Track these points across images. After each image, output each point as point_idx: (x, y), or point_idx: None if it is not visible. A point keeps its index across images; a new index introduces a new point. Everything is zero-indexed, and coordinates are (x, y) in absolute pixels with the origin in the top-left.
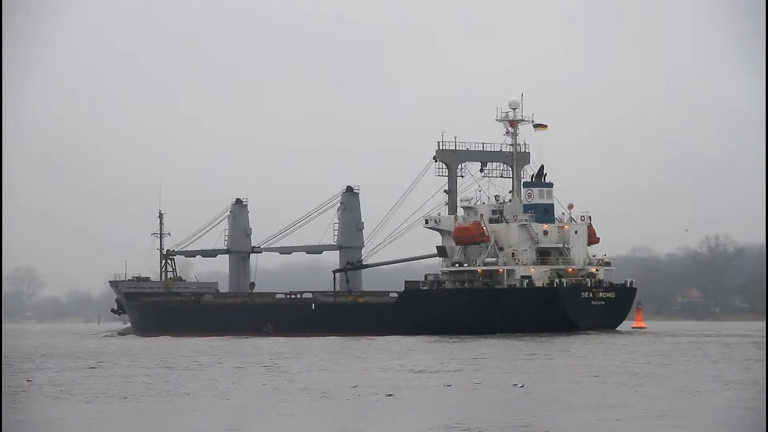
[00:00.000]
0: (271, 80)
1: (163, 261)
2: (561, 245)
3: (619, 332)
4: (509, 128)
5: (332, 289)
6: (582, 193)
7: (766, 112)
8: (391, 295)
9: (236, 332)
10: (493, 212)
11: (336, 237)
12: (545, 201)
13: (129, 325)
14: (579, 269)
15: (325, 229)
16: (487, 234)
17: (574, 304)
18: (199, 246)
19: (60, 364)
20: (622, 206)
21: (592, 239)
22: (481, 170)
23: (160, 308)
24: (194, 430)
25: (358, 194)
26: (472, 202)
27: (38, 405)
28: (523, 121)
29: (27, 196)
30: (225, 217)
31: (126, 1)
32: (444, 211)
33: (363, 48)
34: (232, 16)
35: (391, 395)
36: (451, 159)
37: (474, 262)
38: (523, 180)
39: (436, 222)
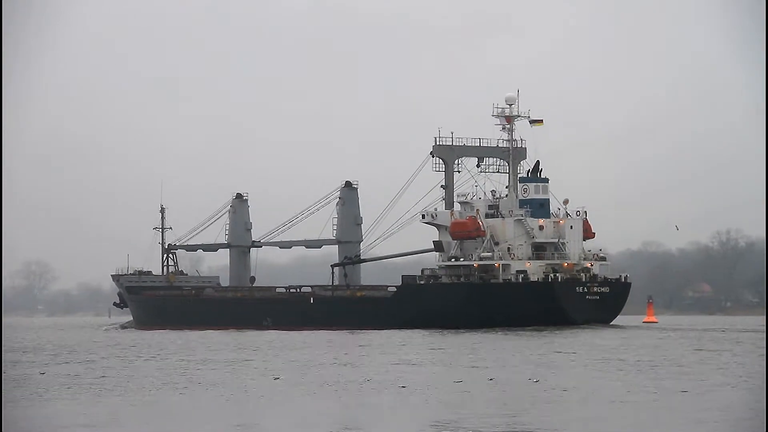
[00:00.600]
0: (272, 78)
1: (165, 255)
2: (556, 240)
3: (616, 326)
4: (505, 124)
5: (330, 284)
6: (579, 189)
7: (766, 111)
8: (389, 289)
9: (236, 326)
10: (489, 207)
11: (335, 231)
12: (541, 196)
13: (131, 318)
14: (574, 264)
15: (325, 223)
16: (483, 229)
17: (568, 299)
18: (200, 240)
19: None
20: (619, 201)
21: (588, 234)
22: (478, 166)
23: (160, 302)
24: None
25: (356, 189)
26: (468, 197)
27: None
28: (519, 116)
29: (32, 192)
30: (226, 212)
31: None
32: (441, 206)
33: (363, 45)
34: (232, 13)
35: (404, 387)
36: (447, 154)
37: (470, 257)
38: (519, 175)
39: (432, 217)
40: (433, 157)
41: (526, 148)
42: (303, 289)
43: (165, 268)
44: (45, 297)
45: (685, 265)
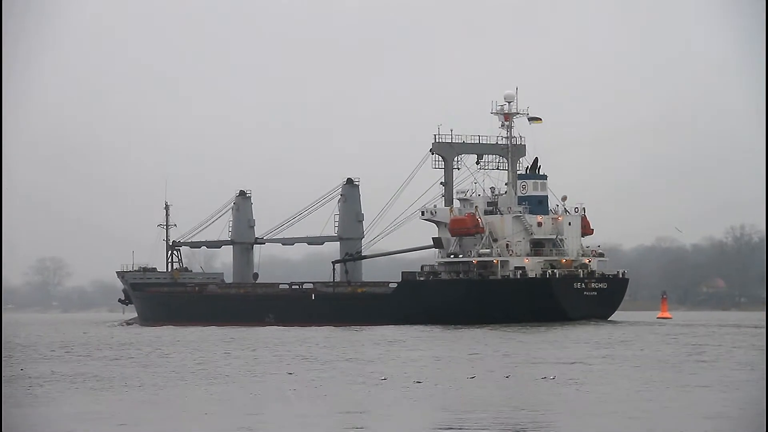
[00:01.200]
0: (273, 77)
1: (169, 252)
2: (555, 236)
3: (614, 322)
4: (504, 121)
5: (332, 280)
6: (578, 186)
7: (766, 110)
8: (390, 285)
9: (239, 322)
10: (488, 204)
11: (336, 228)
12: (539, 193)
13: (136, 315)
14: (572, 260)
15: (326, 220)
16: (481, 225)
17: (566, 295)
18: (204, 237)
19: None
20: (619, 198)
21: (586, 230)
22: (477, 163)
23: (164, 298)
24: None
25: (358, 186)
26: (467, 194)
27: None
28: (518, 114)
29: (37, 191)
30: (229, 209)
31: None
32: (440, 203)
33: (364, 45)
34: (233, 13)
35: (419, 382)
36: (447, 151)
37: (469, 253)
38: (518, 172)
39: (432, 214)
40: (432, 154)
41: (525, 145)
42: (305, 286)
43: (169, 264)
44: (59, 293)
45: (699, 260)
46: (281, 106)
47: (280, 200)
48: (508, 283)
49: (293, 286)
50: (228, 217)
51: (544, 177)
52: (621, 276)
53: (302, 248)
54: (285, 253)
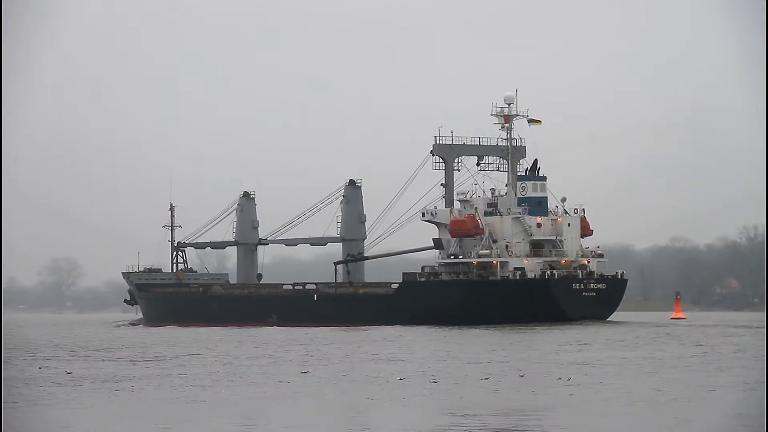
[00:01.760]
0: (276, 75)
1: (174, 253)
2: (554, 237)
3: (612, 322)
4: (504, 123)
5: (334, 281)
6: (579, 186)
7: (766, 110)
8: (392, 286)
9: (242, 322)
10: (488, 205)
11: (339, 229)
12: (539, 194)
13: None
14: (572, 261)
15: (330, 221)
16: (481, 227)
17: (565, 295)
18: (208, 238)
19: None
20: (620, 198)
21: (586, 231)
22: (478, 164)
23: (169, 299)
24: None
25: (360, 187)
26: (468, 195)
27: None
28: (518, 116)
29: (45, 191)
30: (233, 210)
31: None
32: (441, 204)
33: (366, 44)
34: (235, 9)
35: (435, 381)
36: (447, 153)
37: (469, 254)
38: (518, 173)
39: (432, 215)
40: (433, 155)
41: (525, 146)
42: (307, 286)
43: (174, 265)
44: (73, 294)
45: (713, 260)
46: (283, 106)
47: (283, 201)
48: (507, 283)
49: (296, 287)
50: (232, 218)
51: (544, 178)
52: (620, 277)
53: (311, 249)
54: (297, 254)
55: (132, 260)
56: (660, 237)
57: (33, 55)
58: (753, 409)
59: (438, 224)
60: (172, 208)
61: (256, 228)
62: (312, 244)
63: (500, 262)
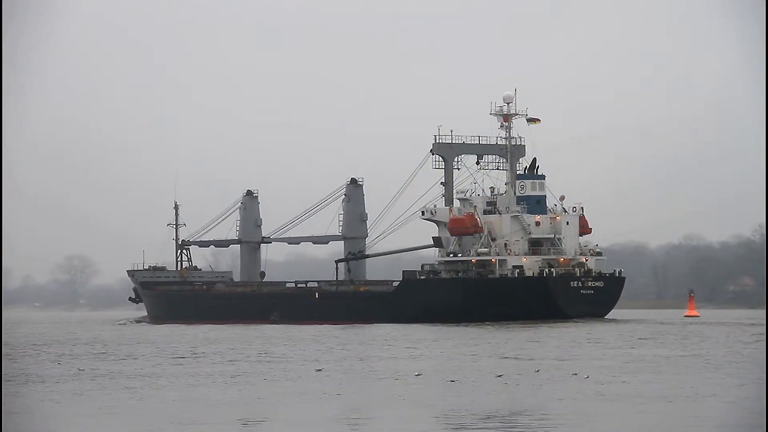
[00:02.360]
0: (278, 74)
1: (179, 251)
2: (552, 236)
3: (609, 320)
4: (503, 122)
5: (335, 279)
6: (578, 185)
7: (766, 110)
8: (394, 284)
9: (245, 320)
10: (488, 204)
11: (341, 228)
12: (537, 193)
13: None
14: (570, 259)
15: (331, 219)
16: (480, 225)
17: (563, 293)
18: (212, 236)
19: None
20: (620, 197)
21: (584, 230)
22: (477, 163)
23: (173, 297)
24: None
25: (362, 186)
26: (467, 194)
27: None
28: (517, 115)
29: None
30: (236, 209)
31: None
32: (441, 203)
33: (366, 44)
34: (237, 7)
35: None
36: (447, 152)
37: (468, 253)
38: (517, 172)
39: (432, 213)
40: (432, 154)
41: (524, 145)
42: (309, 284)
43: (179, 263)
44: (87, 291)
45: (727, 258)
46: (285, 105)
47: (286, 199)
48: (505, 281)
49: (299, 285)
50: (236, 216)
51: (543, 177)
52: (618, 275)
53: (323, 247)
54: (310, 252)
55: (138, 258)
56: (668, 235)
57: (36, 54)
58: None
59: (438, 222)
60: (176, 207)
61: (259, 226)
62: (314, 243)
63: (499, 260)
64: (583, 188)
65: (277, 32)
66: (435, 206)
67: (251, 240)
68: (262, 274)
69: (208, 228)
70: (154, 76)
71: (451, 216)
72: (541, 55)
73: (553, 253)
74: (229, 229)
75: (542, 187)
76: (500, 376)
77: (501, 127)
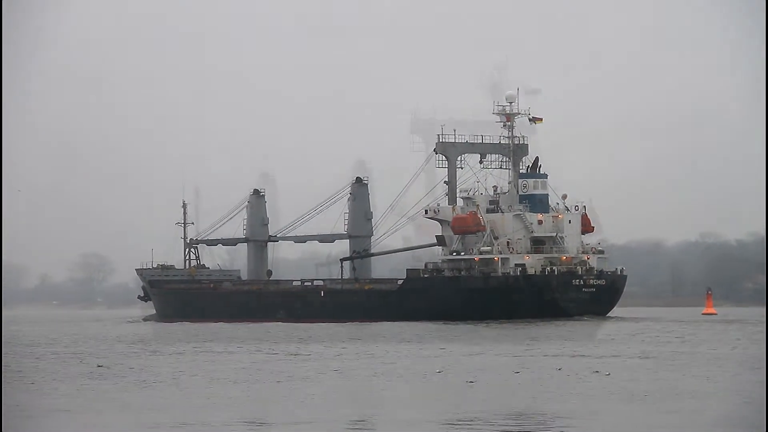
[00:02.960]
0: (279, 74)
1: (187, 249)
2: (555, 234)
3: (611, 318)
4: (506, 122)
5: (340, 277)
6: (584, 183)
7: (766, 109)
8: (398, 282)
9: (251, 318)
10: (490, 203)
11: (346, 226)
12: (540, 191)
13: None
14: (572, 257)
15: (337, 218)
16: (483, 224)
17: (564, 291)
18: (220, 235)
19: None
20: (623, 196)
21: (587, 228)
22: (481, 162)
23: (181, 295)
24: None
25: (367, 185)
26: (470, 192)
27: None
28: (519, 114)
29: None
30: (244, 207)
31: None
32: (444, 202)
33: (367, 44)
34: (239, 9)
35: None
36: (450, 151)
37: (471, 251)
38: (520, 171)
39: (435, 212)
40: (436, 153)
41: (527, 144)
42: (315, 283)
43: (187, 262)
44: (104, 289)
45: (744, 256)
46: (289, 104)
47: (293, 198)
48: (507, 280)
49: (305, 283)
50: (243, 215)
51: (545, 176)
52: (619, 273)
53: (336, 245)
54: (325, 250)
55: (143, 257)
56: (683, 233)
57: (39, 54)
58: None
59: (441, 221)
60: (184, 206)
61: (266, 225)
62: (320, 241)
63: (501, 258)
64: (591, 187)
65: (279, 30)
66: (438, 205)
67: (258, 238)
68: (269, 273)
69: (217, 226)
70: (159, 74)
71: (454, 215)
72: (542, 54)
73: (556, 251)
74: (238, 228)
75: (544, 185)
76: (560, 369)
77: (504, 126)
